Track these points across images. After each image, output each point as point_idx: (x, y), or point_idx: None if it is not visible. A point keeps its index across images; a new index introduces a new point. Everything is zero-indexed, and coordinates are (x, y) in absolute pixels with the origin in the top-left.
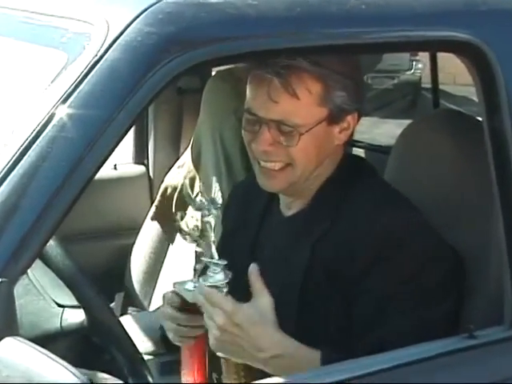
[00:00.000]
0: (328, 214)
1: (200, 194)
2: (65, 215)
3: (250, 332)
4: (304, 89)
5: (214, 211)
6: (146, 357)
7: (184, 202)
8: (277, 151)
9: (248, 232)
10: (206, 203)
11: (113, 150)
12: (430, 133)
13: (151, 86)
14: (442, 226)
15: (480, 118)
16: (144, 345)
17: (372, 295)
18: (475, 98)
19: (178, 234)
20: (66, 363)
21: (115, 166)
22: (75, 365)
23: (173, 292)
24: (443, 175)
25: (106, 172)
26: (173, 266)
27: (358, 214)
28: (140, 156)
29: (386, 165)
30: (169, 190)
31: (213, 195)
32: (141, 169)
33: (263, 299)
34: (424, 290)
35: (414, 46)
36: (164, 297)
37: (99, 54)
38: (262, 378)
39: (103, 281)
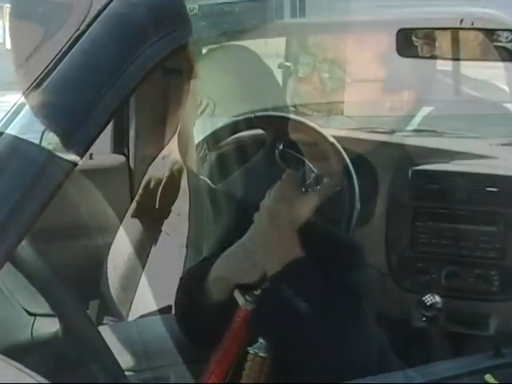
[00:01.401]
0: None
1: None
2: (40, 212)
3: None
4: None
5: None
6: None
7: (169, 197)
8: None
9: None
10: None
11: (94, 140)
12: (452, 122)
13: (140, 65)
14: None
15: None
16: (122, 359)
17: None
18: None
19: (162, 234)
20: (40, 377)
21: (91, 155)
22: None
23: None
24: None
25: (80, 162)
26: (155, 269)
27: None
28: (119, 145)
29: None
30: (152, 184)
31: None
32: (120, 159)
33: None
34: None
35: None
36: None
37: (81, 28)
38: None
39: (75, 286)
